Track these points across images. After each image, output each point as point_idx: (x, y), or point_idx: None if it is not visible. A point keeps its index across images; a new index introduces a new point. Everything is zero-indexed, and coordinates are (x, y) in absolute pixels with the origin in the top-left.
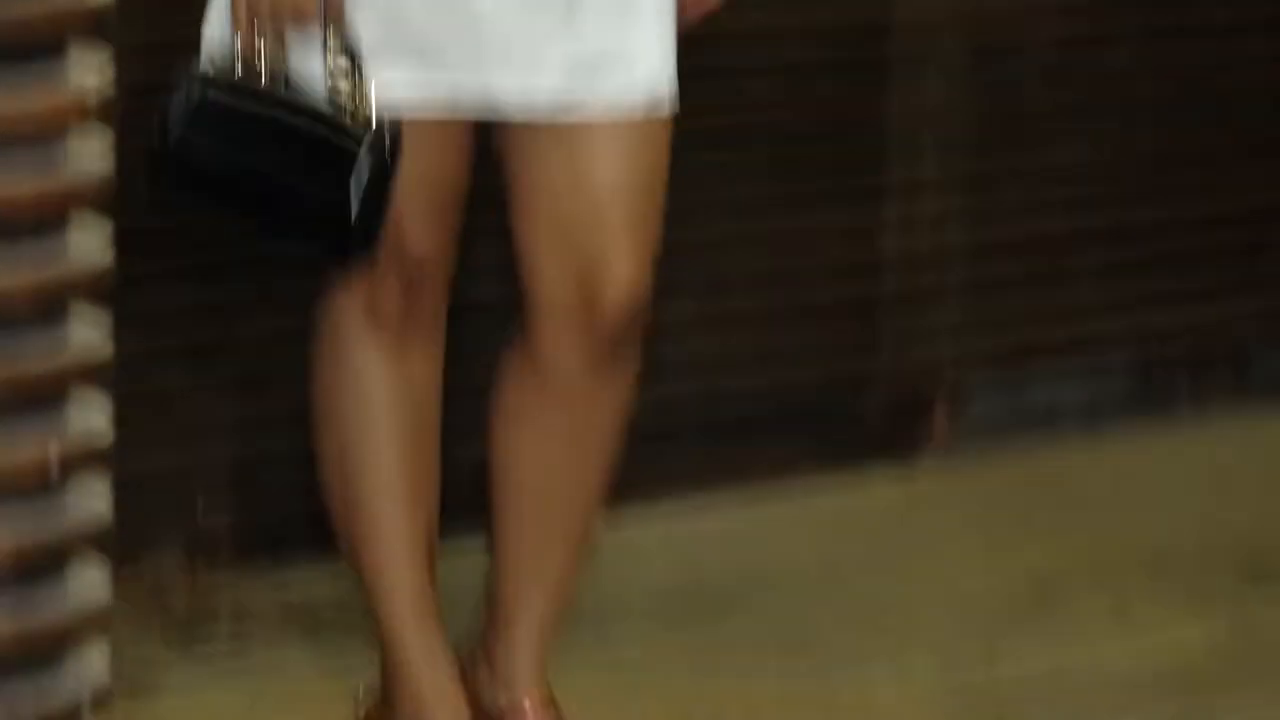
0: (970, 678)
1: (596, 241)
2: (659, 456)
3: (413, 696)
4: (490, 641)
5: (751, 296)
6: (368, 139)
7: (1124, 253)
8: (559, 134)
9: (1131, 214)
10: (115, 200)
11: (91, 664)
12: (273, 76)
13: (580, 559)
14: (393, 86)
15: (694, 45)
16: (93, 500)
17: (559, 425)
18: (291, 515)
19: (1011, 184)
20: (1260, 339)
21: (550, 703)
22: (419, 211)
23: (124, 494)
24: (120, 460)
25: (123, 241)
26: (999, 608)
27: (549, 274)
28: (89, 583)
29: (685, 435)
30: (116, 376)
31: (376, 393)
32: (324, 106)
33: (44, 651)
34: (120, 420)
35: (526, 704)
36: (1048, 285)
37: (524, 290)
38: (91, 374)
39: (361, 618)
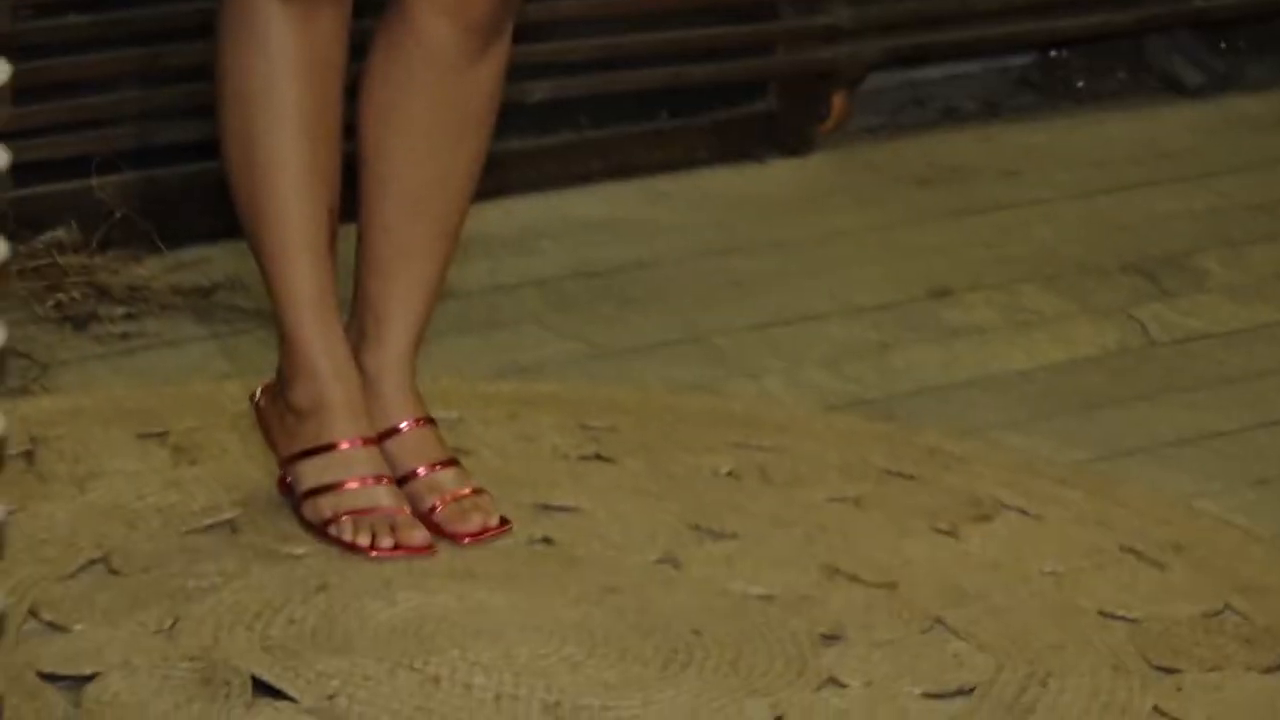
0: (862, 382)
1: None
2: (555, 147)
3: (309, 376)
4: (358, 348)
5: None
6: None
7: None
8: None
9: None
10: None
11: None
12: None
13: (450, 252)
14: None
15: None
16: None
17: (428, 99)
18: (189, 194)
19: None
20: (1157, 31)
21: (425, 419)
22: None
23: (20, 173)
24: (16, 139)
25: None
26: (892, 309)
27: None
28: None
29: (581, 126)
30: (14, 54)
31: (282, 61)
32: None
33: None
34: (17, 99)
35: (403, 426)
36: None
37: None
38: None
39: (257, 298)
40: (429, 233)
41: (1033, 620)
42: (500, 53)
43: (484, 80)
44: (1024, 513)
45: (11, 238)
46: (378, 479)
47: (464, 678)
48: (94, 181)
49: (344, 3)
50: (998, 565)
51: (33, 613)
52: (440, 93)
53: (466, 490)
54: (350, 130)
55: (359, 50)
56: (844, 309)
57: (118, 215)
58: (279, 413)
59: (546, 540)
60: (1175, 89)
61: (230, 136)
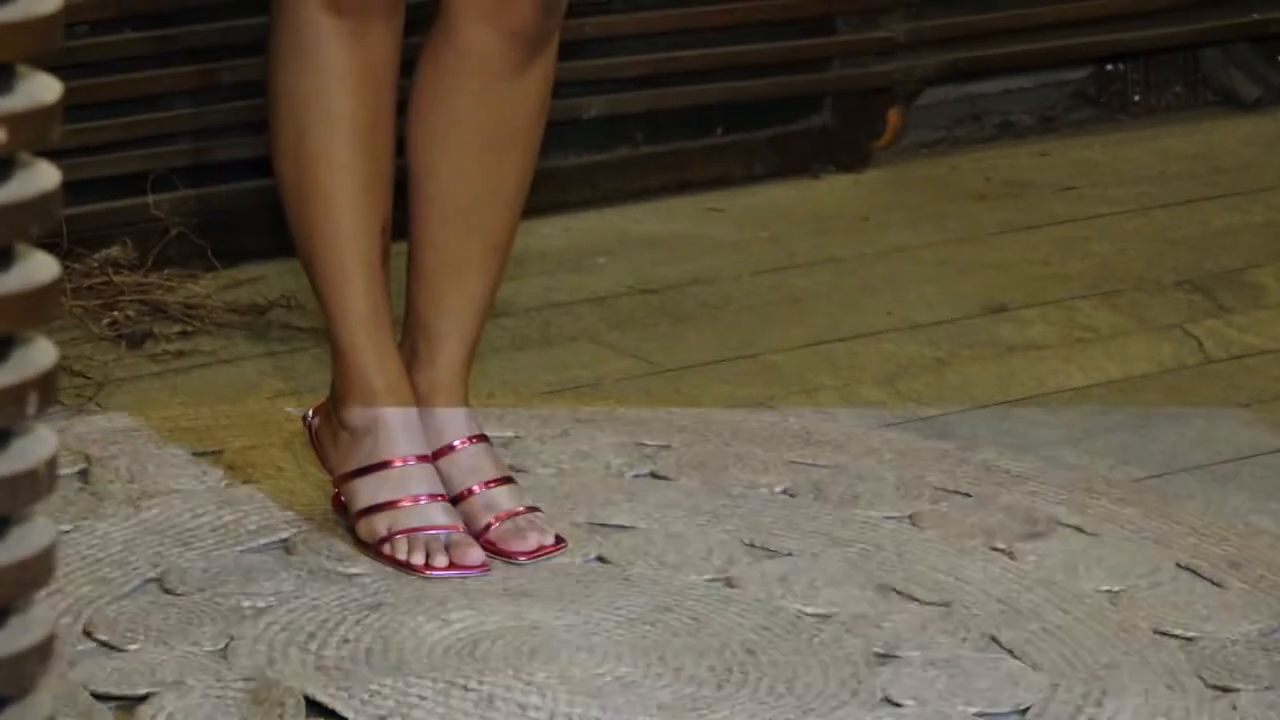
0: (919, 399)
1: None
2: (611, 163)
3: (363, 394)
4: (411, 366)
5: (706, 4)
6: None
7: None
8: None
9: None
10: None
11: (38, 353)
12: None
13: (501, 268)
14: None
15: None
16: (42, 181)
17: (474, 112)
18: (245, 212)
19: None
20: (1213, 45)
21: (479, 437)
22: None
23: (75, 191)
24: (70, 156)
25: None
26: (948, 326)
27: None
28: (37, 267)
29: (637, 142)
30: (69, 71)
31: (333, 77)
32: None
33: None
34: (72, 115)
35: (457, 444)
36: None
37: None
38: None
39: (312, 316)
40: (479, 248)
41: (1088, 639)
42: (546, 64)
43: (530, 92)
44: (1080, 530)
45: (66, 255)
46: (432, 497)
47: (518, 697)
48: (149, 199)
49: (395, 19)
50: (1053, 584)
51: (87, 632)
52: (486, 105)
53: (521, 508)
54: (401, 147)
55: (410, 66)
56: (900, 326)
57: (173, 233)
58: (332, 431)
59: (601, 559)
60: (1232, 103)
61: (283, 153)
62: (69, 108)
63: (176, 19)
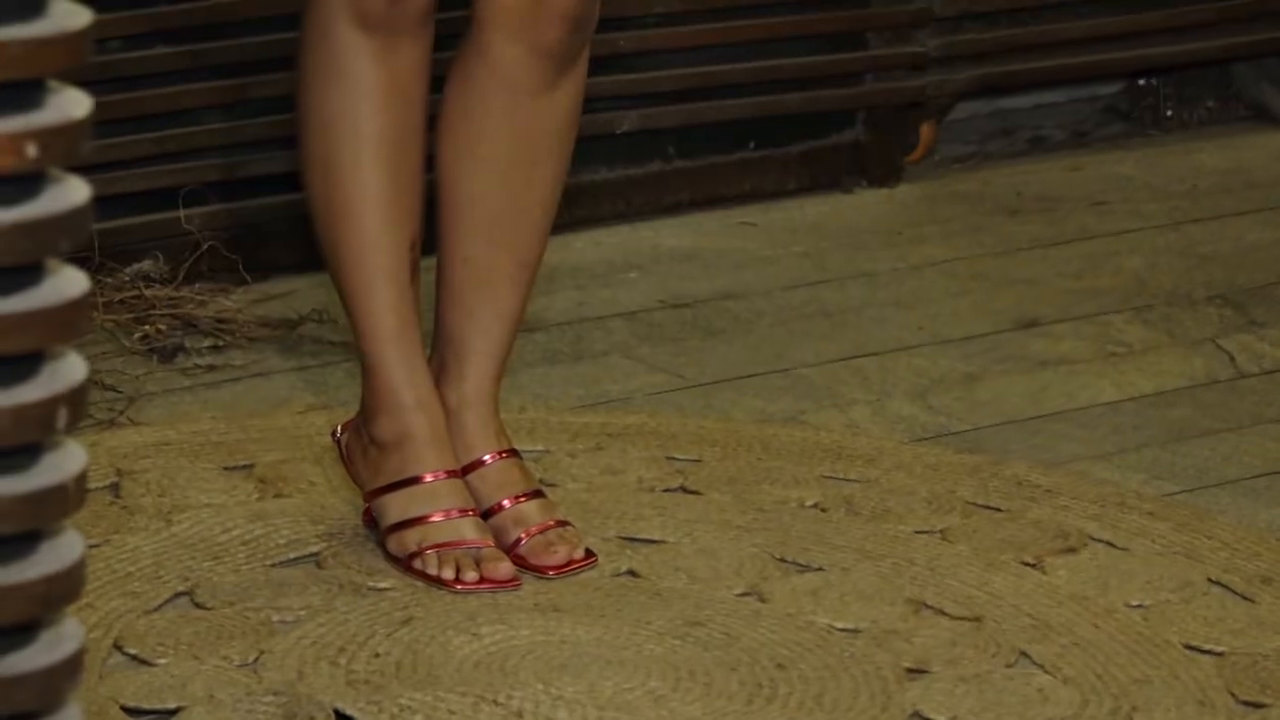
0: (950, 414)
1: None
2: (642, 177)
3: (393, 409)
4: (440, 381)
5: (738, 19)
6: None
7: None
8: None
9: None
10: None
11: (69, 367)
12: None
13: (531, 282)
14: None
15: None
16: (72, 196)
17: (502, 127)
18: (276, 226)
19: None
20: (1245, 59)
21: (509, 452)
22: None
23: (106, 205)
24: (101, 170)
25: None
26: (980, 341)
27: None
28: (68, 282)
29: (669, 156)
30: (99, 86)
31: (363, 92)
32: None
33: (19, 351)
34: (102, 130)
35: (487, 459)
36: (1032, 13)
37: None
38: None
39: (343, 330)
40: (508, 262)
41: (1119, 654)
42: (576, 79)
43: (559, 107)
44: (1111, 545)
45: (98, 270)
46: (462, 512)
47: (548, 712)
48: (180, 213)
49: (425, 34)
50: (1084, 598)
51: (117, 646)
52: (515, 120)
53: (551, 522)
54: (431, 162)
55: (440, 82)
56: (932, 340)
57: (204, 247)
58: (362, 446)
59: (632, 573)
60: (1264, 117)
61: (312, 168)
62: (100, 122)
63: (207, 34)
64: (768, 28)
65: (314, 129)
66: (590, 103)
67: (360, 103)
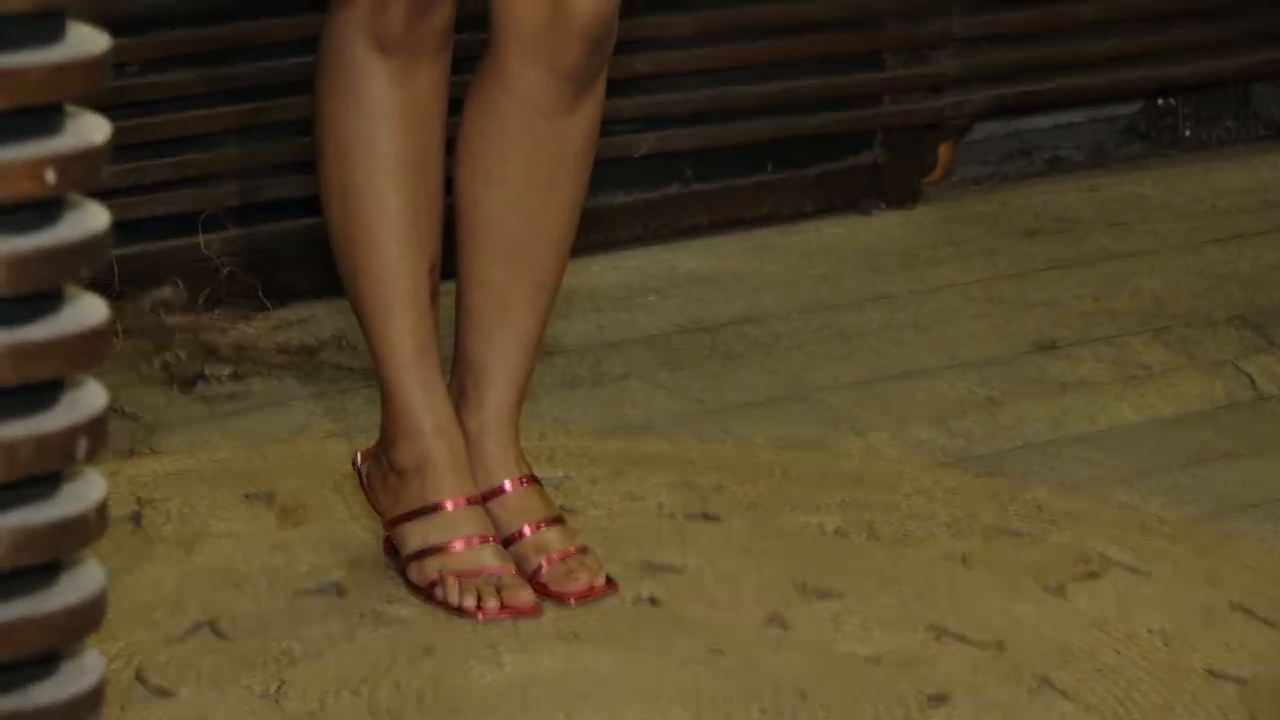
0: (970, 438)
1: None
2: (661, 200)
3: (412, 435)
4: (460, 406)
5: (755, 41)
6: None
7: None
8: None
9: None
10: None
11: (89, 395)
12: None
13: (549, 306)
14: None
15: None
16: (92, 222)
17: (520, 149)
18: (295, 251)
19: None
20: (1264, 79)
21: (529, 478)
22: None
23: (125, 231)
24: (120, 196)
25: None
26: (999, 364)
27: None
28: (88, 309)
29: (687, 179)
30: (117, 110)
31: (380, 115)
32: None
33: (40, 379)
34: (121, 155)
35: (507, 485)
36: (1053, 21)
37: (491, 10)
38: (88, 88)
39: (363, 357)
40: (526, 285)
41: (1141, 680)
42: (594, 102)
43: (577, 129)
44: (1132, 570)
45: (118, 297)
46: (483, 539)
47: None
48: (200, 239)
49: (442, 57)
50: (1106, 624)
51: (139, 677)
52: (533, 142)
53: (572, 549)
54: (450, 185)
55: (458, 105)
56: (951, 364)
57: (224, 272)
58: (382, 474)
59: (653, 600)
60: None
61: (330, 191)
62: (118, 147)
63: (225, 58)
64: (784, 50)
65: (331, 152)
66: (608, 125)
67: (377, 125)
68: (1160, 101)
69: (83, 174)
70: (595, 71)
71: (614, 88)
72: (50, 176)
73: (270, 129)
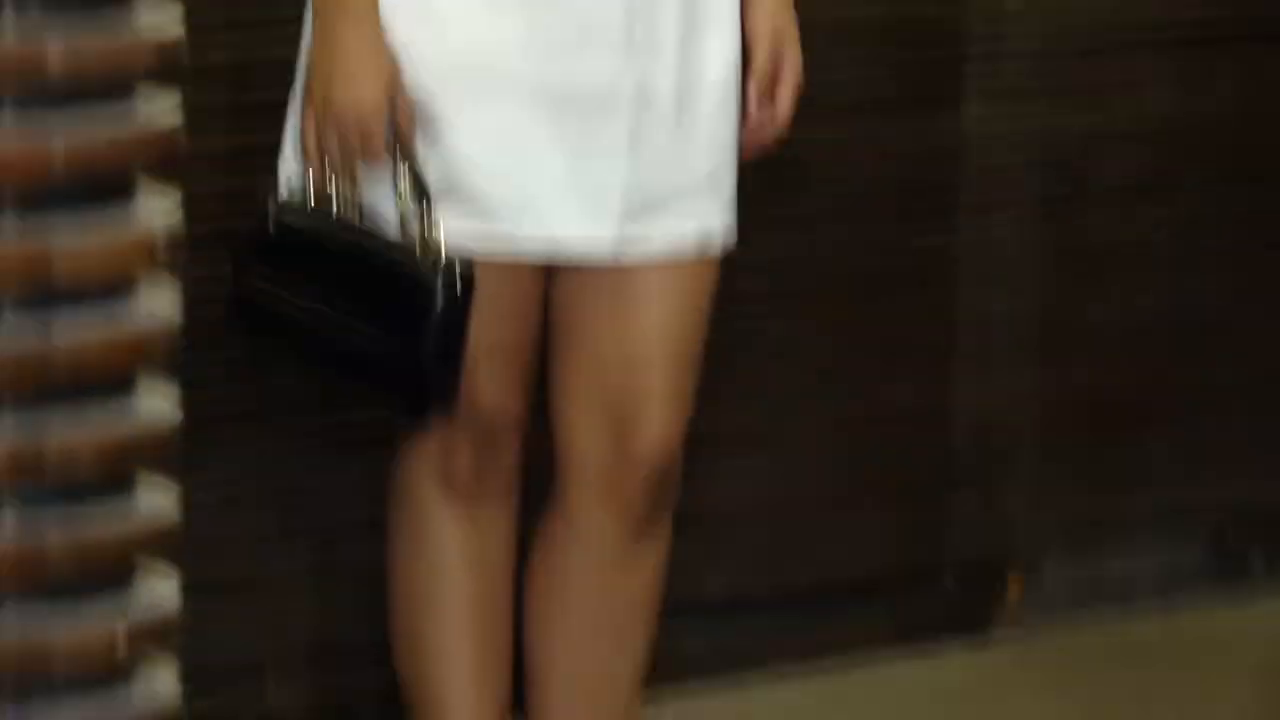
0: None
1: (632, 391)
2: (731, 631)
3: None
4: None
5: (821, 468)
6: (441, 277)
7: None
8: (608, 277)
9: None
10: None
11: None
12: (346, 210)
13: None
14: (455, 237)
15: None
16: (161, 683)
17: (586, 593)
18: (365, 694)
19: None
20: None
21: None
22: (489, 363)
23: (193, 673)
24: (188, 639)
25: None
26: None
27: (582, 425)
28: None
29: (756, 609)
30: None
31: (447, 559)
32: (397, 241)
33: None
34: (189, 596)
35: None
36: (1121, 456)
37: (556, 449)
38: (160, 546)
39: None
40: None
41: None
42: (659, 544)
43: (643, 572)
44: None
45: None
46: None
47: None
48: (269, 688)
49: (508, 501)
50: None
51: None
52: (599, 586)
53: None
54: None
55: (526, 548)
56: None
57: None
58: None
59: None
60: None
61: (399, 636)
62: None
63: (296, 502)
64: (847, 486)
65: (400, 595)
66: (676, 564)
67: (444, 568)
68: (1230, 535)
69: (154, 639)
70: (661, 508)
71: (682, 523)
72: (120, 648)
73: (343, 574)
